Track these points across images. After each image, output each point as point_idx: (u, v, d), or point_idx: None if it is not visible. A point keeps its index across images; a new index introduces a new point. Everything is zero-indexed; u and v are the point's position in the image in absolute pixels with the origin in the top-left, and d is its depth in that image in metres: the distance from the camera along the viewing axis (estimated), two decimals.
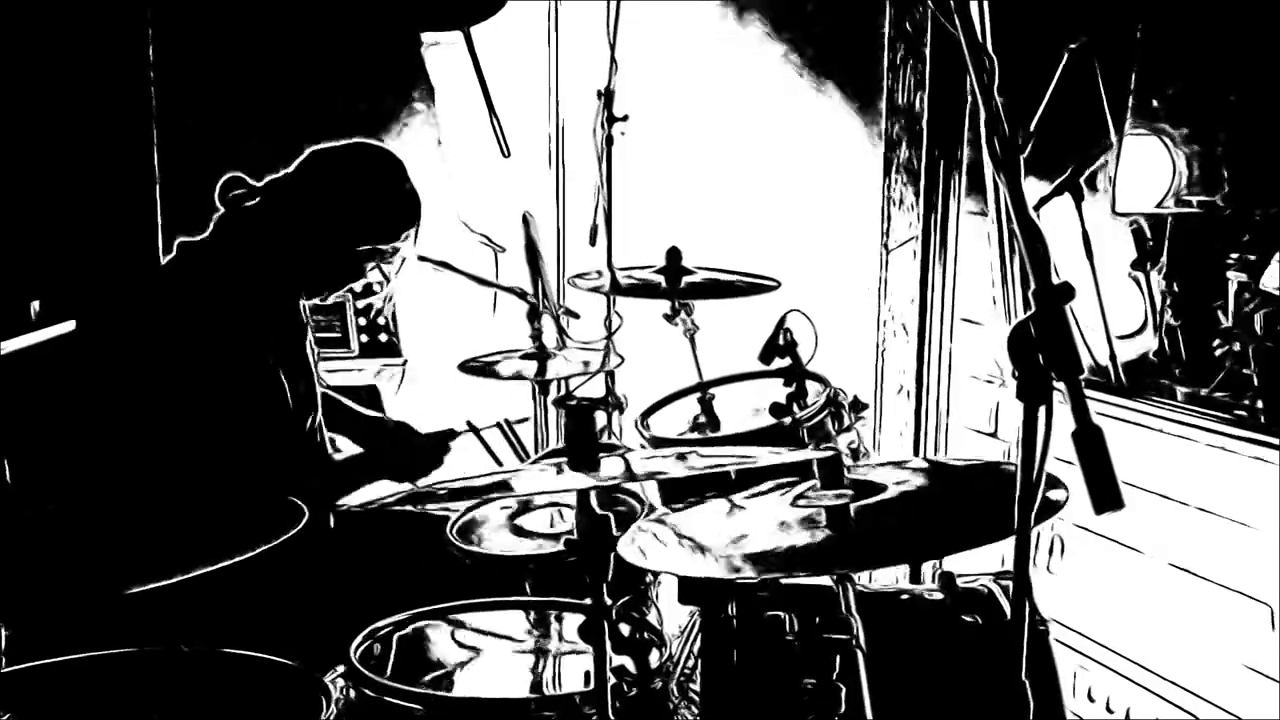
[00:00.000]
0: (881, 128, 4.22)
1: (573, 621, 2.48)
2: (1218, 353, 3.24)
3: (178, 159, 4.11)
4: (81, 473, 2.98)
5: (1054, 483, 1.86)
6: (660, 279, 3.38)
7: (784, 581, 2.28)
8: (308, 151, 3.03)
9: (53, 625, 2.29)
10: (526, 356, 3.58)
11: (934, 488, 2.16)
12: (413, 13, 4.28)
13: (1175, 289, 3.40)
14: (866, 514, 1.98)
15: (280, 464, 2.96)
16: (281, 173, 3.03)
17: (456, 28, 4.04)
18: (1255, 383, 3.12)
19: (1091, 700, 3.41)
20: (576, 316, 3.82)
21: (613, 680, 2.03)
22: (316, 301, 3.20)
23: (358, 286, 3.17)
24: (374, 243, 3.02)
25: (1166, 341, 3.41)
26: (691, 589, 2.27)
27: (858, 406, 2.99)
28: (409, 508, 3.01)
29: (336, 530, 2.99)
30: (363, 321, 4.41)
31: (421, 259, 3.58)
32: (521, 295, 3.62)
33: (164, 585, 1.89)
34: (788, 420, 2.87)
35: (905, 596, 2.44)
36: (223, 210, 3.01)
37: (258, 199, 3.00)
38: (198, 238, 3.03)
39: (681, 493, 2.58)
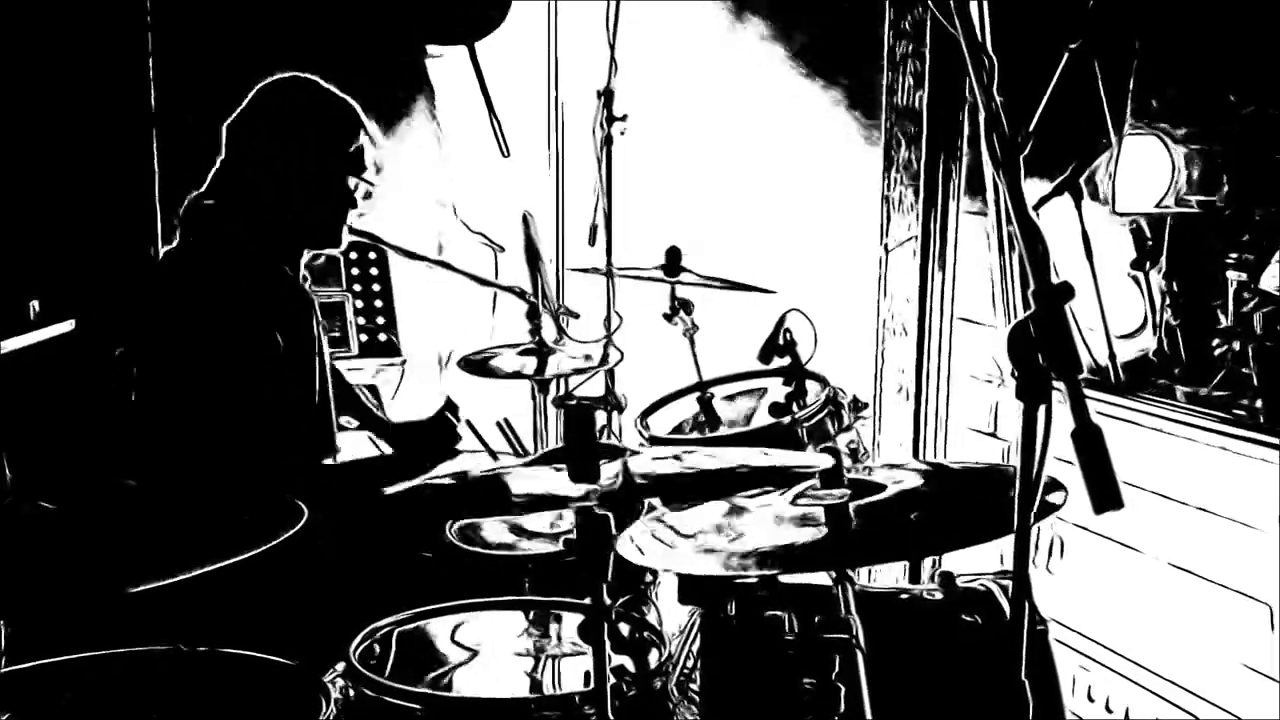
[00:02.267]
0: (881, 128, 4.22)
1: (573, 621, 2.48)
2: (1217, 353, 3.24)
3: (178, 159, 4.11)
4: (81, 471, 2.98)
5: (1053, 485, 1.86)
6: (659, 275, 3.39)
7: (784, 581, 2.28)
8: (223, 129, 3.01)
9: (54, 624, 2.29)
10: (526, 353, 3.58)
11: (932, 488, 2.17)
12: (417, 27, 4.29)
13: (1175, 289, 3.40)
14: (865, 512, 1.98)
15: (283, 455, 2.96)
16: (218, 161, 3.03)
17: (461, 42, 4.05)
18: (1255, 382, 3.12)
19: (1091, 700, 3.41)
20: (576, 316, 3.82)
21: (613, 680, 2.03)
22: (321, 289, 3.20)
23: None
24: (334, 165, 3.01)
25: (1166, 341, 3.41)
26: (691, 589, 2.27)
27: (857, 406, 2.99)
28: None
29: (336, 530, 2.99)
30: (362, 321, 4.42)
31: (421, 258, 3.58)
32: (521, 295, 3.62)
33: (164, 585, 1.89)
34: (787, 420, 2.87)
35: (905, 596, 2.44)
36: (181, 219, 3.01)
37: (211, 195, 3.01)
38: (172, 247, 3.03)
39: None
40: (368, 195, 3.09)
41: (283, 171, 2.98)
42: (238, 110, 3.01)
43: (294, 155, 2.99)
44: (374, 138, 3.08)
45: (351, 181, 3.03)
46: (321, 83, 3.04)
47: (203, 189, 3.01)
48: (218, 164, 3.01)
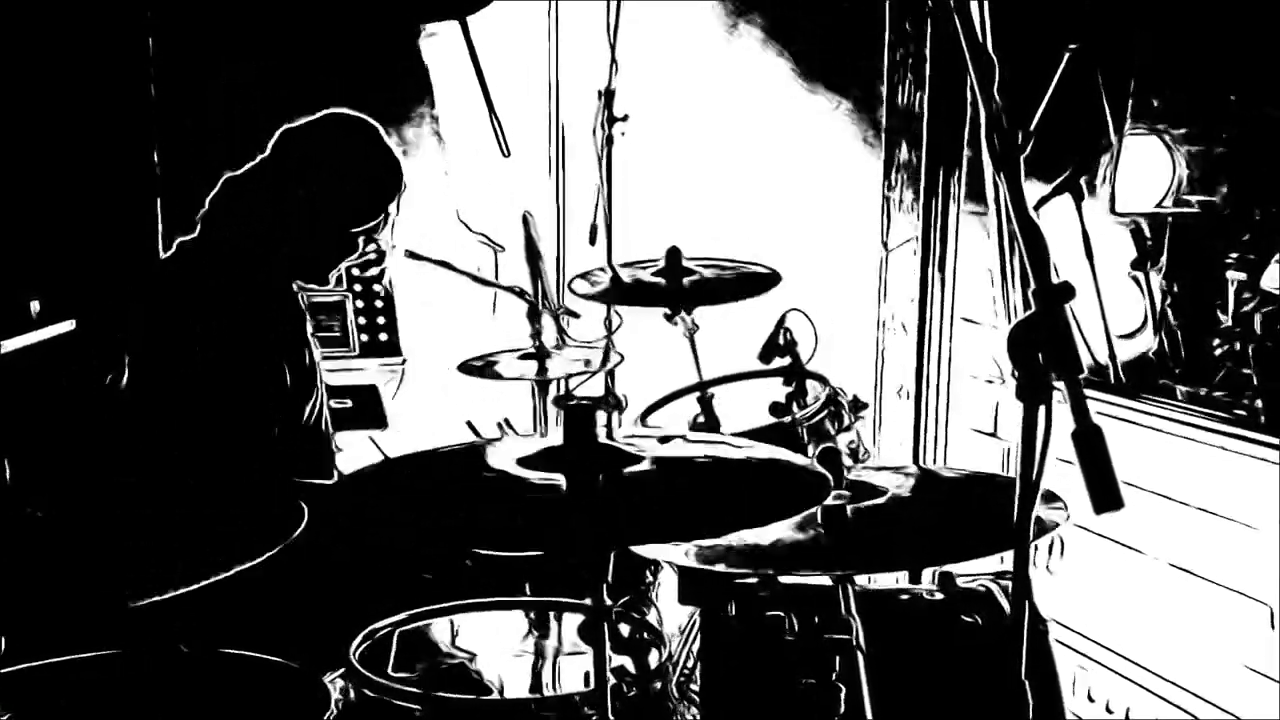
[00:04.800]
0: (881, 128, 4.22)
1: (573, 621, 2.48)
2: (1218, 353, 3.24)
3: (178, 159, 4.11)
4: (82, 473, 2.98)
5: (1052, 498, 1.87)
6: (660, 279, 3.38)
7: (784, 581, 2.28)
8: (279, 132, 2.99)
9: (53, 629, 2.29)
10: (526, 356, 3.59)
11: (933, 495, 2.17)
12: (410, 3, 4.28)
13: (1175, 289, 3.40)
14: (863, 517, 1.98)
15: (283, 460, 2.96)
16: (258, 158, 3.02)
17: (454, 17, 4.04)
18: (1255, 383, 3.12)
19: (1091, 700, 3.41)
20: (576, 316, 3.82)
21: (613, 680, 2.03)
22: (316, 288, 3.19)
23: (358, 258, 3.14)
24: (361, 218, 3.00)
25: (1166, 341, 3.41)
26: (691, 589, 2.27)
27: (857, 406, 2.99)
28: None
29: (336, 530, 2.99)
30: (363, 321, 4.41)
31: (421, 259, 3.58)
32: (521, 295, 3.62)
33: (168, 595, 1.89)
34: (787, 419, 2.86)
35: (905, 596, 2.44)
36: (206, 207, 3.00)
37: (237, 190, 2.99)
38: (190, 236, 3.03)
39: None
40: (373, 262, 3.08)
41: (310, 195, 2.97)
42: (299, 122, 3.00)
43: (328, 186, 2.97)
44: (400, 202, 3.06)
45: (360, 240, 3.03)
46: (384, 134, 3.04)
47: (239, 172, 3.00)
48: (258, 159, 3.00)
